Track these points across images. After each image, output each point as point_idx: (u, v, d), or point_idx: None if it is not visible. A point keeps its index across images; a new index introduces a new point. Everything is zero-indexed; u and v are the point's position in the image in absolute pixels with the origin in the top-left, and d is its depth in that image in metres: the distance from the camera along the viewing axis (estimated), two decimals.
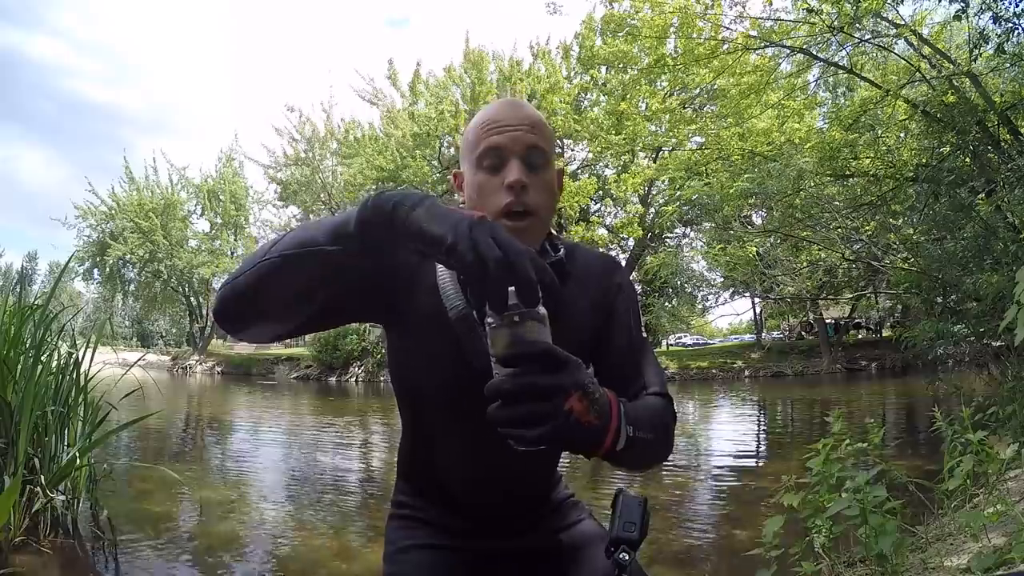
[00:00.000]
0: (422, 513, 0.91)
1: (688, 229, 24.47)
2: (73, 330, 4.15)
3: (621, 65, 14.16)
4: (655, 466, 0.79)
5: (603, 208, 23.35)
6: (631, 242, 23.16)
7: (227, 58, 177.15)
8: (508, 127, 0.76)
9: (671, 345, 30.44)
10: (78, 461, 3.49)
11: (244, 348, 45.96)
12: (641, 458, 0.72)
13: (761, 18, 7.96)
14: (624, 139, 12.27)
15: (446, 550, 0.89)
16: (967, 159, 6.83)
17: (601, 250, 1.37)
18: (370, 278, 0.77)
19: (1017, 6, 5.46)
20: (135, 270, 30.52)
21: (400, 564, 0.89)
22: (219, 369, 29.63)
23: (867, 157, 8.37)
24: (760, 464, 6.54)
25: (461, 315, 0.75)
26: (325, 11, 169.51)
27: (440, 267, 0.78)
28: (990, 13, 5.63)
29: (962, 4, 5.46)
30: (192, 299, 32.51)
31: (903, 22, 7.41)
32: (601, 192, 22.34)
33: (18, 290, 4.57)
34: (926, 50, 7.64)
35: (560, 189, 0.84)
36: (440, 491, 0.90)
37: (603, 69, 18.44)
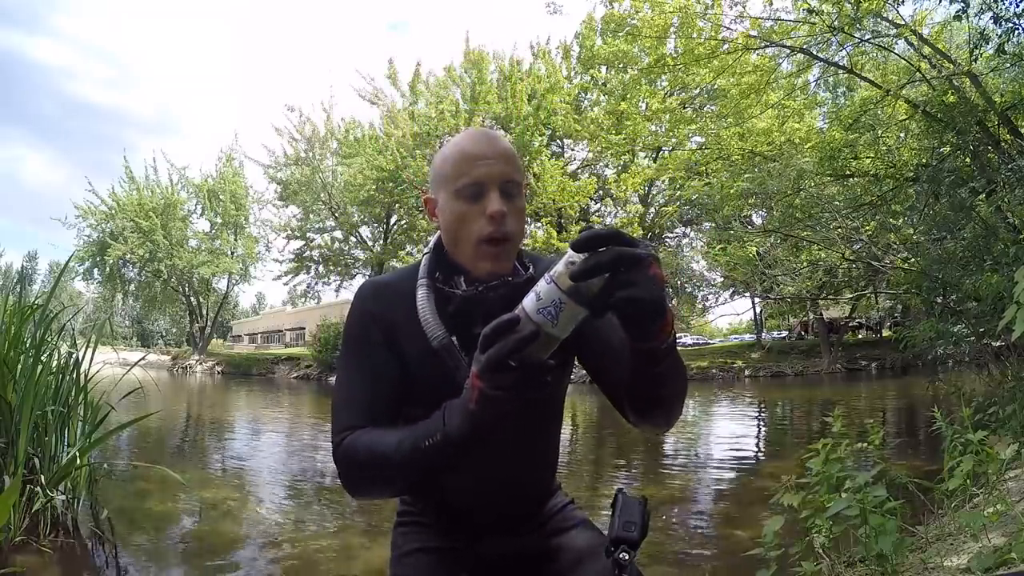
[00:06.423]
0: (424, 518, 0.96)
1: (688, 229, 24.54)
2: (73, 330, 4.15)
3: (621, 65, 14.19)
4: (678, 411, 0.81)
5: (603, 208, 23.33)
6: None
7: (229, 60, 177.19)
8: (487, 160, 0.83)
9: None
10: (78, 461, 3.48)
11: (244, 348, 46.10)
12: (675, 375, 0.74)
13: (761, 18, 7.97)
14: (624, 139, 12.27)
15: (449, 553, 0.92)
16: (967, 159, 6.82)
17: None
18: (393, 357, 0.87)
19: (1017, 6, 5.46)
20: (135, 270, 30.53)
21: (404, 567, 0.93)
22: (219, 369, 29.60)
23: (867, 157, 8.37)
24: (760, 464, 6.53)
25: (443, 344, 0.82)
26: (326, 15, 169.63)
27: (420, 299, 0.85)
28: (990, 13, 5.63)
29: (962, 4, 5.46)
30: (192, 299, 32.50)
31: (903, 22, 7.40)
32: (601, 192, 22.35)
33: (18, 290, 4.57)
34: (926, 50, 7.63)
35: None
36: (441, 499, 0.93)
37: (603, 69, 18.42)
